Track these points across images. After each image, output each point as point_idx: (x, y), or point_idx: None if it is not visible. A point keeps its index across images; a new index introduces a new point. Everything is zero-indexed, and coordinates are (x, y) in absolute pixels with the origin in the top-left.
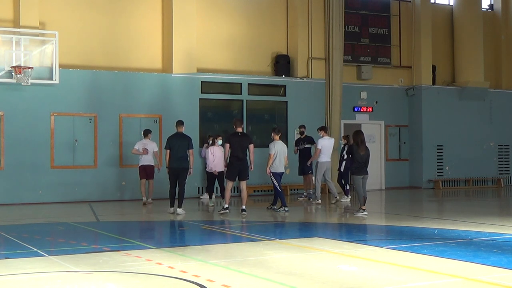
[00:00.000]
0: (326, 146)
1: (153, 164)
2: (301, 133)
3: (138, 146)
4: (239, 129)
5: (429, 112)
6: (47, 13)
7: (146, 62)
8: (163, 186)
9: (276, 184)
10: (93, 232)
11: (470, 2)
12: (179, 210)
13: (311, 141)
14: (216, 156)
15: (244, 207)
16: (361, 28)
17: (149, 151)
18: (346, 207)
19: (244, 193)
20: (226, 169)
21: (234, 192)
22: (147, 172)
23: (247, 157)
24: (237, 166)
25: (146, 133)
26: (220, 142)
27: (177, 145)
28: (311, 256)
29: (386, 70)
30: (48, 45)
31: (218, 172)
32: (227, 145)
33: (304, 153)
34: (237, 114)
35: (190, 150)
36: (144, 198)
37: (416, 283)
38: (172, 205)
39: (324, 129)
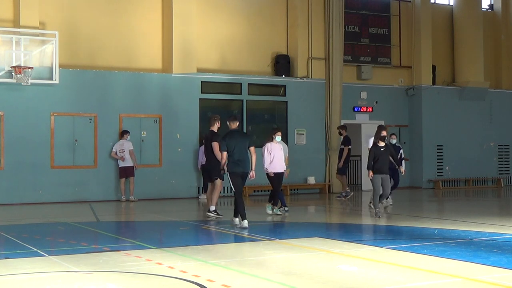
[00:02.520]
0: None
1: (132, 164)
2: (340, 133)
3: (116, 148)
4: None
5: (429, 112)
6: (47, 13)
7: (146, 62)
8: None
9: None
10: (93, 232)
11: (470, 2)
12: (245, 223)
13: (344, 142)
14: (275, 155)
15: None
16: (361, 28)
17: (125, 150)
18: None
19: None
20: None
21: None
22: (127, 172)
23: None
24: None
25: (123, 133)
26: (279, 138)
27: (237, 145)
28: (311, 256)
29: (386, 70)
30: (48, 45)
31: (276, 174)
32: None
33: (341, 154)
34: (237, 114)
35: (251, 149)
36: (123, 197)
37: (416, 283)
38: (244, 216)
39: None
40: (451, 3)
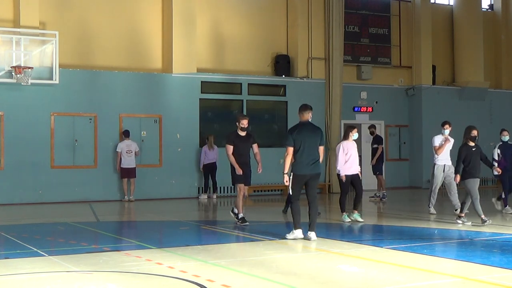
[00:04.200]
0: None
1: (135, 166)
2: (371, 133)
3: (121, 147)
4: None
5: (429, 112)
6: (47, 13)
7: (146, 62)
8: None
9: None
10: (93, 232)
11: (470, 2)
12: (312, 235)
13: (377, 141)
14: (351, 156)
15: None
16: (361, 28)
17: (133, 150)
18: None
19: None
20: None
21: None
22: (129, 173)
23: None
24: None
25: (128, 133)
26: (356, 136)
27: (308, 141)
28: (311, 256)
29: (386, 70)
30: (48, 45)
31: (351, 176)
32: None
33: (373, 153)
34: (237, 114)
35: (321, 147)
36: (126, 197)
37: (416, 283)
38: (297, 226)
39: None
40: (451, 3)
